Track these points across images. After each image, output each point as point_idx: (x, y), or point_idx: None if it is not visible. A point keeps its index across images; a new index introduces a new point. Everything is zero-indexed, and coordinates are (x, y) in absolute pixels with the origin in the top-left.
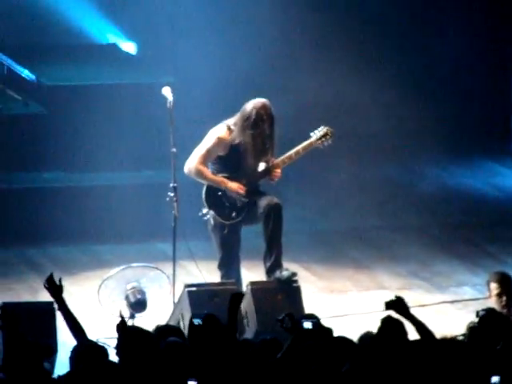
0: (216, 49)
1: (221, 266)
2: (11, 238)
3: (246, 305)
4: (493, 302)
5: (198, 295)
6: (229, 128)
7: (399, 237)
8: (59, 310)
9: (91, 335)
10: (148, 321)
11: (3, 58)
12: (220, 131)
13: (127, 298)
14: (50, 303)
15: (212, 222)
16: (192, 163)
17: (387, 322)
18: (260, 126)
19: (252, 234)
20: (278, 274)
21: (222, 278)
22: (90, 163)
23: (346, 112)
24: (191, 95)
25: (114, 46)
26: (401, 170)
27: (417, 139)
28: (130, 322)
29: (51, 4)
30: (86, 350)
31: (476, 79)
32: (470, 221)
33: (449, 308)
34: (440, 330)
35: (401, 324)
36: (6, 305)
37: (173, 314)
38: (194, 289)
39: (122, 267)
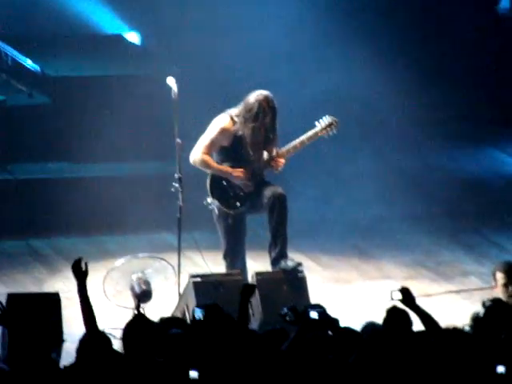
0: (222, 39)
1: (226, 256)
2: (16, 229)
3: (252, 295)
4: (499, 292)
5: (204, 286)
6: (232, 118)
7: (405, 226)
8: (79, 294)
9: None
10: (153, 311)
11: (7, 49)
12: (223, 121)
13: (132, 288)
14: (56, 294)
15: (216, 211)
16: (197, 153)
17: (393, 312)
18: (262, 118)
19: (257, 225)
20: (283, 264)
21: (228, 267)
22: (95, 154)
23: (353, 101)
24: (196, 85)
25: (120, 37)
26: (407, 159)
27: (423, 128)
28: (135, 313)
29: None
30: (93, 340)
31: (484, 67)
32: (477, 210)
33: (454, 298)
34: (445, 320)
35: (406, 314)
36: (12, 296)
37: (178, 304)
38: (199, 279)
39: (127, 258)
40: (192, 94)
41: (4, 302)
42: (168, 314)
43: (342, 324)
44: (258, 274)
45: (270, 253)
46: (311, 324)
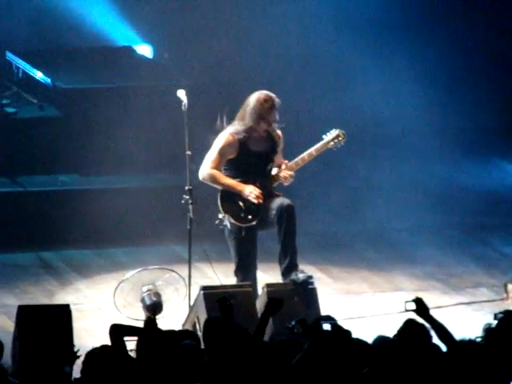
0: (233, 51)
1: (237, 272)
2: (27, 241)
3: (262, 307)
4: (510, 304)
5: (214, 297)
6: (234, 128)
7: (415, 238)
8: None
9: (106, 338)
10: (164, 323)
11: (18, 62)
12: (227, 133)
13: (143, 300)
14: (67, 306)
15: (229, 226)
16: (205, 169)
17: (409, 324)
18: (266, 116)
19: (267, 237)
20: (293, 276)
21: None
22: (105, 166)
23: (361, 113)
24: (206, 98)
25: (130, 49)
26: (417, 171)
27: (433, 139)
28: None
29: (66, 8)
30: (100, 353)
31: (494, 77)
32: (487, 222)
33: (465, 309)
34: (457, 332)
35: (423, 328)
36: (23, 308)
37: (188, 316)
38: (209, 291)
39: (137, 270)
40: (202, 108)
41: (15, 313)
42: (178, 326)
43: (353, 336)
44: (268, 285)
45: (280, 264)
46: (324, 336)
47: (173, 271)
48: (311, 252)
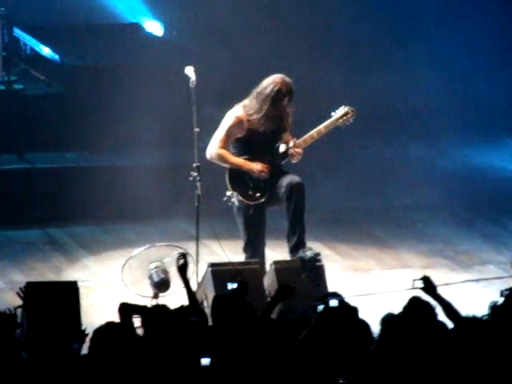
0: (239, 31)
1: (246, 249)
2: (35, 218)
3: (270, 284)
4: None
5: (222, 274)
6: (245, 108)
7: (423, 215)
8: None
9: (113, 315)
10: (171, 300)
11: (26, 38)
12: (237, 112)
13: (151, 277)
14: (74, 283)
15: (237, 203)
16: (213, 148)
17: (414, 302)
18: (279, 101)
19: (275, 214)
20: (301, 253)
21: (247, 260)
22: (112, 143)
23: (372, 91)
24: (213, 76)
25: (138, 26)
26: (426, 149)
27: (443, 117)
28: (153, 302)
29: None
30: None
31: (506, 57)
32: (495, 199)
33: (473, 286)
34: (464, 309)
35: (429, 305)
36: (30, 284)
37: (196, 293)
38: (217, 268)
39: (145, 247)
40: (210, 83)
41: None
42: (186, 302)
43: (360, 314)
44: (276, 262)
45: (288, 242)
46: (330, 312)
47: (181, 248)
48: (319, 229)
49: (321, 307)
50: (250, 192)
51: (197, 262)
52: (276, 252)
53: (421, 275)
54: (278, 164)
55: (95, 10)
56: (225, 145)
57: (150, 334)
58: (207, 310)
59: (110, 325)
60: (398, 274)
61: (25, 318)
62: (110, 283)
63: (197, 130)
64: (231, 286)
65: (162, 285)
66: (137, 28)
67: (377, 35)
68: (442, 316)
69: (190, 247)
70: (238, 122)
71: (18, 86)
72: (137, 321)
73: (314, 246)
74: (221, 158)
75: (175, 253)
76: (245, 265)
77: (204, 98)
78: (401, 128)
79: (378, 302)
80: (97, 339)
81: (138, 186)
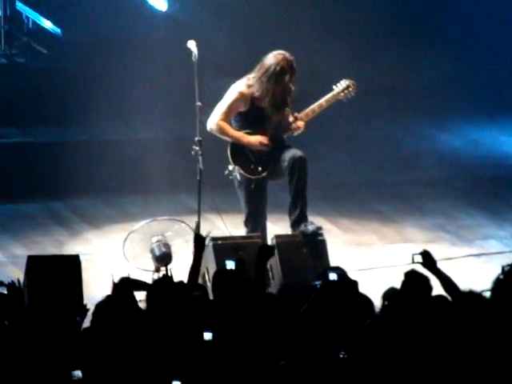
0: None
1: (247, 223)
2: (36, 192)
3: (271, 258)
4: None
5: (223, 248)
6: (249, 82)
7: (425, 190)
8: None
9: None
10: (173, 274)
11: (28, 12)
12: (240, 86)
13: (152, 251)
14: (76, 256)
15: (238, 177)
16: (214, 120)
17: (411, 276)
18: (282, 78)
19: (277, 188)
20: (303, 227)
21: (248, 234)
22: (115, 117)
23: (374, 67)
24: (216, 49)
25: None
26: (428, 124)
27: (445, 93)
28: (155, 276)
29: None
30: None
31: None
32: (497, 175)
33: (474, 261)
34: (466, 283)
35: (425, 278)
36: (32, 258)
37: None
38: (218, 242)
39: (147, 220)
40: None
41: (24, 264)
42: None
43: (362, 288)
44: (277, 236)
45: (289, 216)
46: (330, 286)
47: (182, 222)
48: (321, 203)
49: (319, 282)
50: (252, 166)
51: (204, 236)
52: (278, 226)
53: (423, 249)
54: (279, 138)
55: None
56: (226, 118)
57: (152, 308)
58: (209, 284)
59: (110, 298)
60: (400, 249)
61: (26, 292)
62: (112, 257)
63: (199, 103)
64: (229, 265)
65: (163, 259)
66: (139, 2)
67: (381, 14)
68: (440, 290)
69: (192, 221)
70: (241, 97)
71: (19, 60)
72: (140, 294)
73: (315, 221)
74: (221, 130)
75: (177, 226)
76: (246, 239)
77: (206, 71)
78: (404, 103)
79: (380, 277)
80: (98, 312)
81: (140, 159)
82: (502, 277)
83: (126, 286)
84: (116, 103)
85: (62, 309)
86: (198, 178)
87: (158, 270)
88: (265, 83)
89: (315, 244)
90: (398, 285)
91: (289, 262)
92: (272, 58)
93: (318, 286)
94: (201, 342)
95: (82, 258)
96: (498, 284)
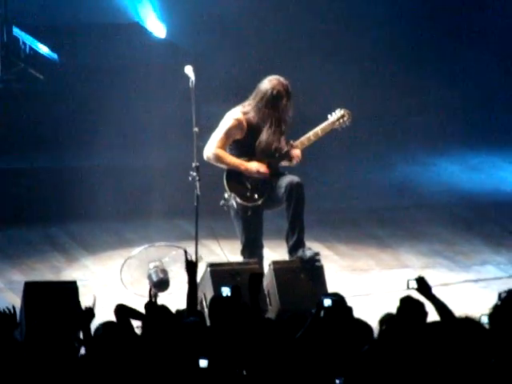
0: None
1: (244, 252)
2: (34, 218)
3: (269, 284)
4: None
5: (221, 274)
6: (244, 109)
7: (422, 216)
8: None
9: (111, 315)
10: (170, 300)
11: (25, 37)
12: (236, 114)
13: (150, 277)
14: (73, 282)
15: (234, 205)
16: (210, 149)
17: (406, 302)
18: (279, 102)
19: (275, 214)
20: (300, 253)
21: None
22: (112, 142)
23: (371, 93)
24: (212, 75)
25: (138, 26)
26: (425, 150)
27: (443, 118)
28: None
29: None
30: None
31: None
32: (494, 200)
33: (472, 287)
34: (463, 309)
35: (420, 304)
36: (29, 284)
37: None
38: (216, 268)
39: (144, 246)
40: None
41: (21, 290)
42: (185, 302)
43: (358, 314)
44: (275, 262)
45: (287, 242)
46: (325, 312)
47: (180, 248)
48: (318, 229)
49: (328, 302)
50: (248, 193)
51: (196, 261)
52: (276, 252)
53: (418, 275)
54: (276, 166)
55: (95, 10)
56: (223, 145)
57: (148, 334)
58: (206, 310)
59: (107, 325)
60: (398, 274)
61: (23, 318)
62: (109, 283)
63: (196, 129)
64: (225, 291)
65: (161, 284)
66: (136, 28)
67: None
68: (436, 316)
69: (189, 247)
70: (237, 124)
71: (16, 86)
72: (136, 321)
73: (313, 246)
74: (218, 158)
75: (175, 252)
76: (244, 265)
77: (204, 97)
78: (400, 129)
79: (377, 302)
80: (95, 339)
81: (138, 185)
82: (499, 303)
83: (122, 314)
84: (113, 129)
85: (60, 335)
86: (196, 203)
87: (155, 296)
88: (262, 108)
89: (313, 270)
90: (394, 310)
91: (286, 288)
92: (267, 83)
93: (313, 312)
94: (196, 368)
95: (79, 283)
96: (495, 310)
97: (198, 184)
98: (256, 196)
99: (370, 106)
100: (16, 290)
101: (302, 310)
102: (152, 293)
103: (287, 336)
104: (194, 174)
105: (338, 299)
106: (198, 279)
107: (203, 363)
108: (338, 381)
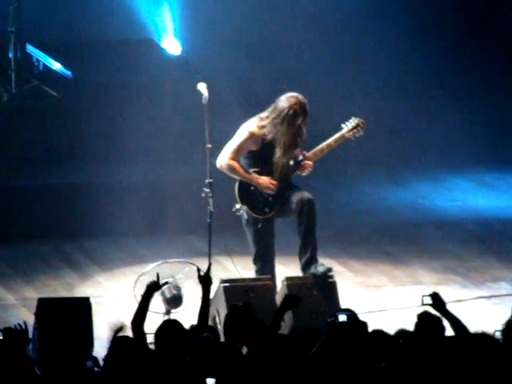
0: (251, 46)
1: (256, 260)
2: (48, 234)
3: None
4: None
5: (234, 291)
6: (260, 123)
7: (435, 232)
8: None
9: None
10: (183, 316)
11: (39, 54)
12: (252, 126)
13: (163, 293)
14: (86, 299)
15: (245, 216)
16: (224, 158)
17: (424, 317)
18: (294, 121)
19: (287, 229)
20: (313, 269)
21: (257, 272)
22: (125, 158)
23: (381, 108)
24: (225, 91)
25: (152, 42)
26: (437, 165)
27: (455, 135)
28: (165, 318)
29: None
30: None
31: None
32: (507, 217)
33: (485, 303)
34: (476, 326)
35: (438, 320)
36: (43, 301)
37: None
38: (229, 284)
39: (157, 262)
40: (222, 100)
41: (35, 306)
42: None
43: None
44: (288, 278)
45: (300, 258)
46: (340, 328)
47: (193, 264)
48: (331, 245)
49: (343, 317)
50: (259, 206)
51: (210, 276)
52: (289, 268)
53: (433, 291)
54: (287, 178)
55: (108, 26)
56: (236, 156)
57: (161, 350)
58: (219, 327)
59: (121, 340)
60: (411, 291)
61: (37, 335)
62: (122, 299)
63: (209, 146)
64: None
65: (174, 301)
66: (150, 44)
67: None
68: (450, 332)
69: (202, 263)
70: (252, 137)
71: (29, 103)
72: (150, 336)
73: (325, 263)
74: (230, 169)
75: (188, 269)
76: (257, 281)
77: (217, 113)
78: (413, 145)
79: (390, 319)
80: (109, 355)
81: (151, 201)
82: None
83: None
84: (126, 145)
85: (73, 351)
86: (209, 220)
87: (168, 313)
88: (277, 125)
89: (326, 286)
90: (408, 327)
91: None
92: (285, 101)
93: (328, 328)
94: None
95: (92, 300)
96: (508, 326)
97: (211, 200)
98: (267, 209)
99: (386, 122)
100: (29, 306)
101: (315, 326)
102: (164, 309)
103: (300, 352)
104: (208, 190)
105: (352, 314)
106: (211, 295)
107: (210, 382)
108: None
